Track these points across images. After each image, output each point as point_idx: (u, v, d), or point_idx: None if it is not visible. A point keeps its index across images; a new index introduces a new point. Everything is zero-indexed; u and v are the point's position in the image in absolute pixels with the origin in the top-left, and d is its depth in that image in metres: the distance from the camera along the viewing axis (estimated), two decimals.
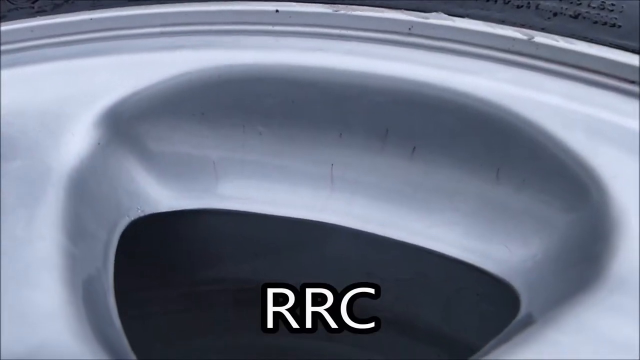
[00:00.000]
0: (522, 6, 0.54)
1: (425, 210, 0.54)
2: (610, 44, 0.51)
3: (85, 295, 0.40)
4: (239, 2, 0.58)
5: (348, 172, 0.56)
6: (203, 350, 0.83)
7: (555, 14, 0.53)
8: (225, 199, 0.57)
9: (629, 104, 0.47)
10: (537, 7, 0.53)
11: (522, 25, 0.53)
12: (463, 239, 0.52)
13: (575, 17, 0.52)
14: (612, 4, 0.52)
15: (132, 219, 0.53)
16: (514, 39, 0.52)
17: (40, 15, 0.61)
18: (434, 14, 0.54)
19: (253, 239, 0.62)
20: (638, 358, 0.34)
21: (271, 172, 0.57)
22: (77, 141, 0.50)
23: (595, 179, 0.43)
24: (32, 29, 0.59)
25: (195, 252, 0.63)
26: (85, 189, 0.48)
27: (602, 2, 0.52)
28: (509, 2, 0.54)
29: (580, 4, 0.53)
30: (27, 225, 0.43)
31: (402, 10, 0.55)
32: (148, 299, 0.71)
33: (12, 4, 0.61)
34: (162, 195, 0.56)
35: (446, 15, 0.54)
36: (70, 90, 0.53)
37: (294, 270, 0.65)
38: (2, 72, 0.54)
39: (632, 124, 0.46)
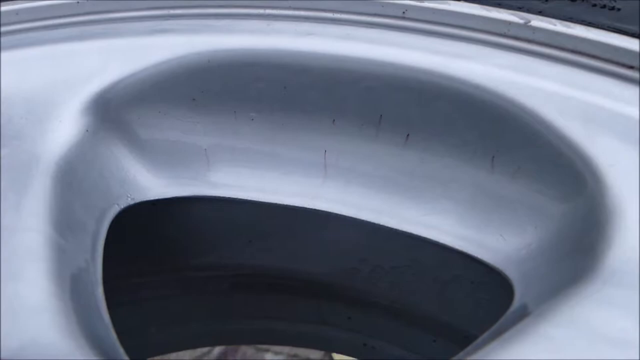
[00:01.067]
0: None
1: (420, 198, 0.54)
2: (609, 27, 0.49)
3: (72, 288, 0.39)
4: None
5: (341, 159, 0.55)
6: (198, 335, 0.84)
7: None
8: (217, 186, 0.57)
9: (628, 90, 0.46)
10: None
11: (519, 9, 0.52)
12: (457, 227, 0.52)
13: None
14: None
15: (122, 207, 0.52)
16: (509, 23, 0.50)
17: None
18: None
19: (246, 226, 0.61)
20: (630, 351, 0.33)
21: (263, 159, 0.57)
22: (64, 128, 0.49)
23: (591, 168, 0.42)
24: (17, 11, 0.58)
25: (188, 240, 0.63)
26: (73, 178, 0.47)
27: None
28: None
29: None
30: (13, 215, 0.42)
31: None
32: (141, 285, 0.70)
33: None
34: (152, 183, 0.55)
35: None
36: (57, 75, 0.52)
37: (288, 257, 0.64)
38: None
39: (631, 111, 0.45)
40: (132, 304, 0.72)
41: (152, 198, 0.55)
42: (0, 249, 0.39)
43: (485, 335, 0.39)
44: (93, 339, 0.36)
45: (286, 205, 0.56)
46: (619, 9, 0.50)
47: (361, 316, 0.72)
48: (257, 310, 0.78)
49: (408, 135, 0.52)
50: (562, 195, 0.45)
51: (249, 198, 0.56)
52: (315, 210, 0.56)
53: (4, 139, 0.47)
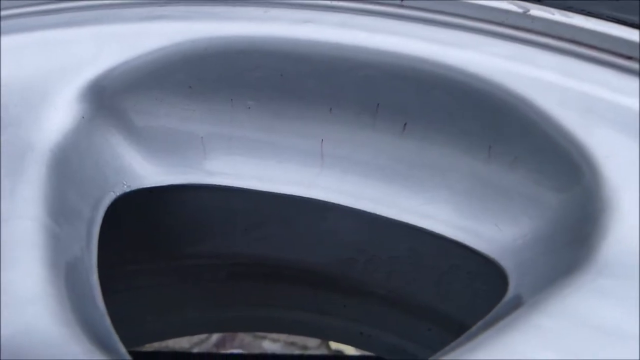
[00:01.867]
0: None
1: (418, 187, 0.53)
2: (609, 17, 0.49)
3: (67, 276, 0.39)
4: None
5: (338, 148, 0.55)
6: (195, 323, 0.84)
7: None
8: (213, 174, 0.56)
9: (626, 81, 0.46)
10: None
11: None
12: (454, 217, 0.52)
13: None
14: None
15: (118, 194, 0.52)
16: (508, 12, 0.50)
17: None
18: None
19: (243, 214, 0.61)
20: (622, 343, 0.33)
21: (260, 147, 0.56)
22: (59, 116, 0.48)
23: (588, 159, 0.42)
24: None
25: (183, 228, 0.63)
26: (68, 165, 0.47)
27: None
28: None
29: None
30: (7, 203, 0.42)
31: None
32: (137, 272, 0.70)
33: None
34: (148, 171, 0.55)
35: None
36: (52, 62, 0.51)
37: (284, 246, 0.64)
38: None
39: (629, 102, 0.45)
40: (127, 292, 0.72)
41: (147, 186, 0.55)
42: None
43: (479, 324, 0.39)
44: (88, 327, 0.36)
45: (283, 194, 0.56)
46: None
47: (357, 305, 0.72)
48: (254, 299, 0.78)
49: (405, 124, 0.52)
50: (559, 185, 0.45)
51: (246, 186, 0.56)
52: (312, 199, 0.56)
53: None
